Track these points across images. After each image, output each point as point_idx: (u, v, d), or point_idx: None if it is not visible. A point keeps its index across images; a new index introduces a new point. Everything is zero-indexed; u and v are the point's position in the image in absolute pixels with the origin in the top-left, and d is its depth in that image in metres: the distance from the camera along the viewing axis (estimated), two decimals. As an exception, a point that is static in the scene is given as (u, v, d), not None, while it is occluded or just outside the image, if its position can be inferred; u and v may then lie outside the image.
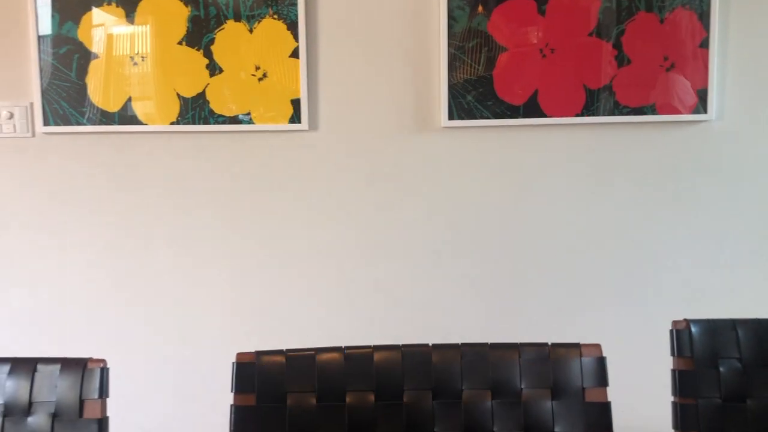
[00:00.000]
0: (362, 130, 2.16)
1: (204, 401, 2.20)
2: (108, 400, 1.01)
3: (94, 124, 2.11)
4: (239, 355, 0.98)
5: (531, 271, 2.20)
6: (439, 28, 2.11)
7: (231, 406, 0.96)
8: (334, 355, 1.01)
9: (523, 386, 0.97)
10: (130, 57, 2.10)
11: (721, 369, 1.01)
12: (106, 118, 2.11)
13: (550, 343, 0.98)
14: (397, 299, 2.20)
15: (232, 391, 0.97)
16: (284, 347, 1.01)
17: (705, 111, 2.11)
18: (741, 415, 1.00)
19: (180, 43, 2.09)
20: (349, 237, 2.19)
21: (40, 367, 1.02)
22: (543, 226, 2.18)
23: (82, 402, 0.99)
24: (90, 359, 1.01)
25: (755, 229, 2.16)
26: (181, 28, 2.09)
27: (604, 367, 0.95)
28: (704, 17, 2.08)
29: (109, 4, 2.08)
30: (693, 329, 1.03)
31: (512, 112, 2.13)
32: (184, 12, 2.08)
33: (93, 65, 2.10)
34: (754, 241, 2.17)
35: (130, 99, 2.11)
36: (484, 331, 2.21)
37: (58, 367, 1.01)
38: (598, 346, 0.96)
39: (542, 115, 2.12)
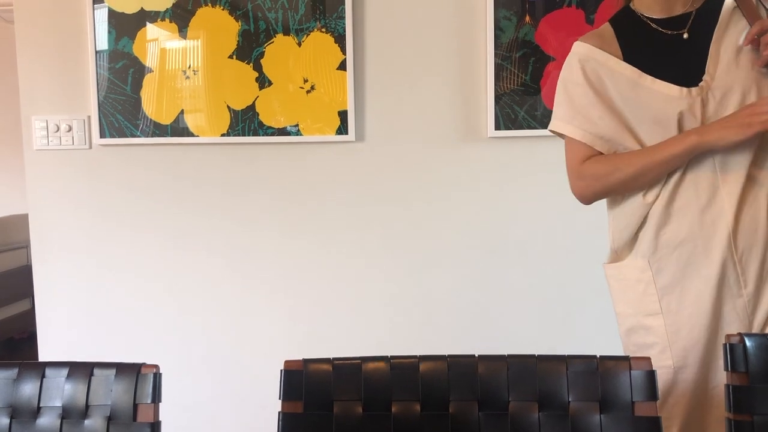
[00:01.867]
0: (409, 140, 2.17)
1: (254, 407, 2.23)
2: (161, 404, 1.04)
3: (147, 136, 2.17)
4: (287, 362, 1.00)
5: (579, 282, 2.16)
6: (485, 38, 2.11)
7: (279, 413, 0.97)
8: (380, 364, 1.01)
9: (570, 399, 0.96)
10: (183, 71, 2.16)
11: (778, 385, 0.98)
12: (159, 130, 2.17)
13: (598, 356, 0.97)
14: (442, 307, 2.20)
15: (280, 399, 0.98)
16: (332, 355, 1.02)
17: None
18: (799, 433, 0.97)
19: (231, 56, 2.14)
20: (396, 245, 2.20)
21: (96, 371, 1.05)
22: (592, 237, 2.15)
23: (135, 406, 1.02)
24: (144, 365, 1.04)
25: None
26: (231, 43, 2.14)
27: (654, 380, 0.93)
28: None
29: (162, 19, 2.15)
30: (748, 343, 1.00)
31: (560, 122, 2.11)
32: (235, 26, 2.13)
33: (147, 79, 2.16)
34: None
35: (182, 111, 2.17)
36: (531, 341, 2.18)
37: (113, 371, 1.04)
38: (647, 359, 0.95)
39: (590, 124, 2.09)
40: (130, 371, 1.04)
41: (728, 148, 1.23)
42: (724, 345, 1.01)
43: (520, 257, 2.18)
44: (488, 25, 2.09)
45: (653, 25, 1.34)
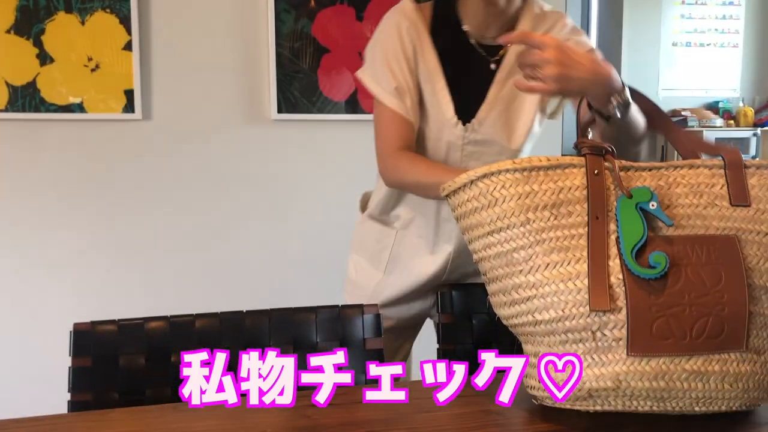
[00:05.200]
0: (196, 120, 2.31)
1: (45, 369, 2.26)
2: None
3: None
4: (76, 324, 1.14)
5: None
6: (267, 27, 2.30)
7: (69, 368, 1.11)
8: (161, 323, 1.19)
9: (318, 340, 1.22)
10: (-45, 43, 2.10)
11: (474, 321, 1.32)
12: (-71, 103, 2.10)
13: (340, 305, 1.23)
14: (223, 277, 2.38)
15: (70, 355, 1.12)
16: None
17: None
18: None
19: (8, 31, 2.13)
20: (180, 224, 2.33)
21: None
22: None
23: None
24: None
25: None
26: (8, 17, 2.12)
27: (380, 322, 1.22)
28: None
29: (-70, -12, 2.07)
30: (453, 292, 1.33)
31: (335, 107, 2.37)
32: (12, 1, 2.12)
33: None
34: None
35: (-46, 85, 2.11)
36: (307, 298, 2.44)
37: None
38: (375, 306, 1.23)
39: (362, 111, 2.37)
40: None
41: None
42: (436, 292, 1.33)
43: (299, 230, 2.42)
44: (269, 15, 2.28)
45: (469, 37, 1.30)
